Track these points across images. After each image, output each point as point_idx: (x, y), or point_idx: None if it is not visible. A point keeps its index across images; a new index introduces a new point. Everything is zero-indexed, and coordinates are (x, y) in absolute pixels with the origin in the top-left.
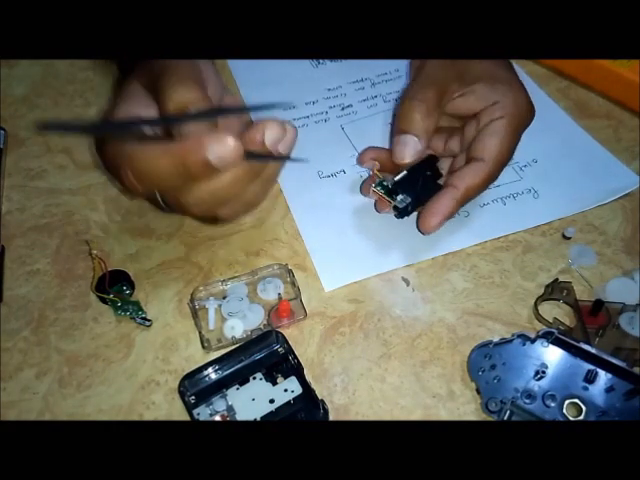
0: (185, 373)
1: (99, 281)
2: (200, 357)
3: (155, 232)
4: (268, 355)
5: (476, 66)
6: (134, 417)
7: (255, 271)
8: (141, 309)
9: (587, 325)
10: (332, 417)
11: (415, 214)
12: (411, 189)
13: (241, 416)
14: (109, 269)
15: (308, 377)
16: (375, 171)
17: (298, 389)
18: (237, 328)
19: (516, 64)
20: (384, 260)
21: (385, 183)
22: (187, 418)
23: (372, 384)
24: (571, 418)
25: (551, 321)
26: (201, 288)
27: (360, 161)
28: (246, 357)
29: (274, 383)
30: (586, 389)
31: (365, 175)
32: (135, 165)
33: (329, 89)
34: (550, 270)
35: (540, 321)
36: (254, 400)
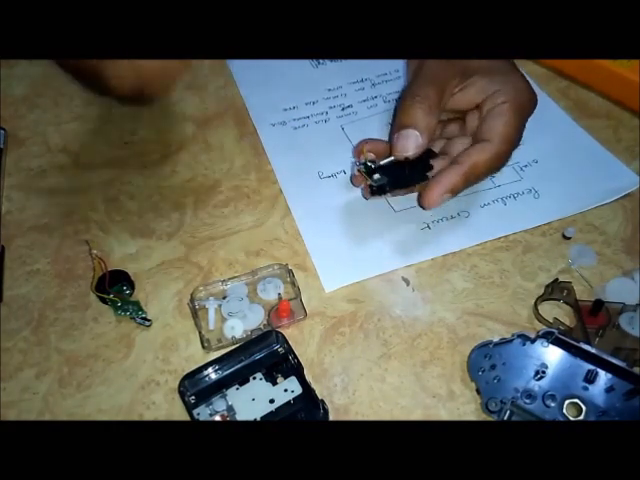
0: (185, 373)
1: (99, 281)
2: (200, 357)
3: (155, 232)
4: (268, 355)
5: (474, 61)
6: (134, 417)
7: (255, 271)
8: (141, 309)
9: (587, 325)
10: (332, 417)
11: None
12: (393, 173)
13: (241, 416)
14: (109, 269)
15: (308, 377)
16: (364, 150)
17: (298, 389)
18: (237, 328)
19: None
20: (384, 260)
21: (369, 164)
22: (187, 418)
23: (372, 384)
24: (571, 418)
25: (551, 321)
26: (201, 288)
27: (356, 153)
28: (246, 357)
29: (274, 383)
30: (586, 389)
31: None
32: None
33: (329, 89)
34: (550, 270)
35: (540, 321)
36: (254, 400)
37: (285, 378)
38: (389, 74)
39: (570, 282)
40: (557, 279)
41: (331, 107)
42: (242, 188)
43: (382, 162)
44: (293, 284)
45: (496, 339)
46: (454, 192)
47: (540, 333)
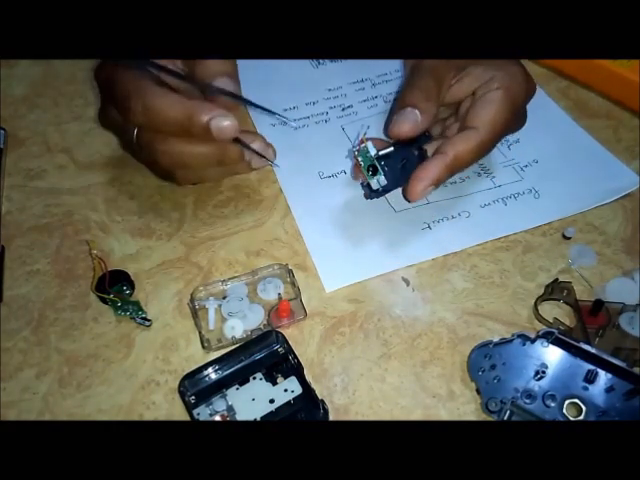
0: (185, 373)
1: (99, 281)
2: (200, 357)
3: (155, 232)
4: (268, 355)
5: None
6: (134, 417)
7: (255, 271)
8: (141, 309)
9: (587, 325)
10: (332, 417)
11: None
12: (390, 169)
13: (241, 416)
14: (109, 269)
15: (308, 377)
16: (363, 137)
17: (298, 389)
18: (237, 328)
19: None
20: (385, 260)
21: (368, 155)
22: (187, 418)
23: (372, 384)
24: (571, 418)
25: (551, 321)
26: (201, 288)
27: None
28: (246, 357)
29: (274, 383)
30: (586, 389)
31: None
32: (148, 100)
33: (329, 89)
34: (550, 270)
35: (540, 321)
36: (254, 400)
37: (285, 378)
38: (389, 74)
39: (570, 282)
40: (557, 279)
41: (331, 107)
42: (242, 188)
43: (382, 152)
44: (293, 284)
45: (496, 339)
46: (438, 184)
47: (540, 333)
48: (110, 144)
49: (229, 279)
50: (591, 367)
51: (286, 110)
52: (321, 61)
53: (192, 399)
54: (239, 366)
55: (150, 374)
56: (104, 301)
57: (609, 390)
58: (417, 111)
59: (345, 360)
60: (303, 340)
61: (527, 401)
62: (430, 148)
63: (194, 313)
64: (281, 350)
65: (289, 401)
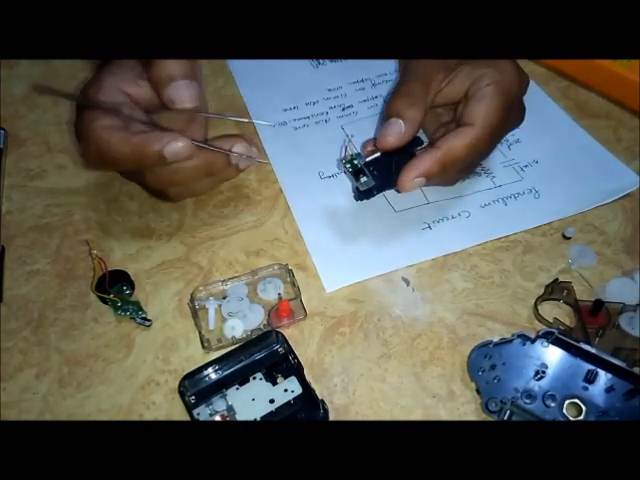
0: (185, 373)
1: (99, 281)
2: (200, 357)
3: (155, 232)
4: (268, 355)
5: None
6: (134, 417)
7: (255, 271)
8: (141, 309)
9: (587, 325)
10: (332, 417)
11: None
12: (380, 172)
13: (241, 416)
14: (109, 269)
15: (308, 377)
16: (348, 146)
17: (298, 389)
18: (237, 328)
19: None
20: (385, 260)
21: (355, 162)
22: (187, 418)
23: (372, 384)
24: (571, 418)
25: (551, 321)
26: (201, 288)
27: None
28: (246, 357)
29: (274, 383)
30: (586, 389)
31: None
32: (96, 143)
33: (329, 89)
34: (550, 270)
35: (540, 321)
36: (254, 400)
37: (285, 378)
38: (389, 74)
39: (570, 282)
40: (557, 279)
41: (331, 107)
42: (242, 188)
43: (368, 158)
44: (293, 284)
45: (496, 339)
46: (429, 176)
47: (540, 333)
48: None
49: (229, 279)
50: (591, 367)
51: (286, 110)
52: (321, 61)
53: (192, 399)
54: (239, 366)
55: (150, 374)
56: (104, 301)
57: (609, 390)
58: (401, 121)
59: (345, 360)
60: (303, 340)
61: (527, 401)
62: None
63: (194, 313)
64: (281, 350)
65: (289, 401)
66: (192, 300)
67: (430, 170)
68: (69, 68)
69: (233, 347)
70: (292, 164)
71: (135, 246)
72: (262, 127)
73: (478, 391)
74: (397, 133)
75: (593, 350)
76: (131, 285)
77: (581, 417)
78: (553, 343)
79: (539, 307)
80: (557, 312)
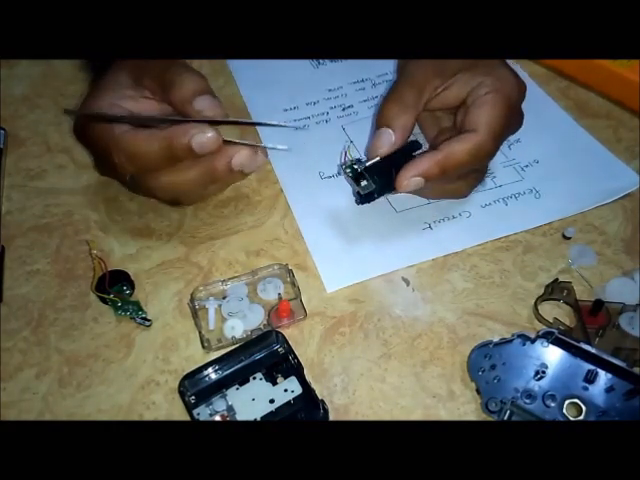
0: (185, 373)
1: (99, 281)
2: (200, 357)
3: (155, 232)
4: (268, 355)
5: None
6: (134, 417)
7: (255, 271)
8: (141, 309)
9: (587, 325)
10: (332, 417)
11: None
12: (380, 177)
13: (241, 416)
14: (109, 269)
15: (308, 377)
16: (348, 151)
17: (298, 389)
18: (237, 328)
19: (516, 64)
20: (386, 260)
21: (355, 166)
22: (187, 418)
23: (372, 384)
24: (571, 418)
25: (551, 321)
26: (201, 288)
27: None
28: (246, 357)
29: (274, 383)
30: (586, 389)
31: None
32: (127, 149)
33: (330, 89)
34: (550, 270)
35: (540, 321)
36: (254, 400)
37: (285, 378)
38: (389, 74)
39: (570, 282)
40: (557, 279)
41: (332, 107)
42: (242, 188)
43: (368, 163)
44: (293, 284)
45: (496, 339)
46: (427, 177)
47: (540, 333)
48: None
49: (229, 279)
50: (591, 367)
51: (286, 110)
52: (321, 61)
53: (192, 399)
54: (239, 366)
55: (150, 374)
56: (104, 301)
57: (609, 390)
58: (390, 131)
59: (345, 360)
60: (303, 340)
61: (527, 401)
62: None
63: (194, 313)
64: (281, 350)
65: (289, 401)
66: (192, 300)
67: (429, 171)
68: (69, 68)
69: (233, 347)
70: (292, 164)
71: (135, 246)
72: (262, 127)
73: (478, 391)
74: (388, 142)
75: (593, 350)
76: (131, 285)
77: (581, 417)
78: (553, 343)
79: (539, 307)
80: (557, 312)
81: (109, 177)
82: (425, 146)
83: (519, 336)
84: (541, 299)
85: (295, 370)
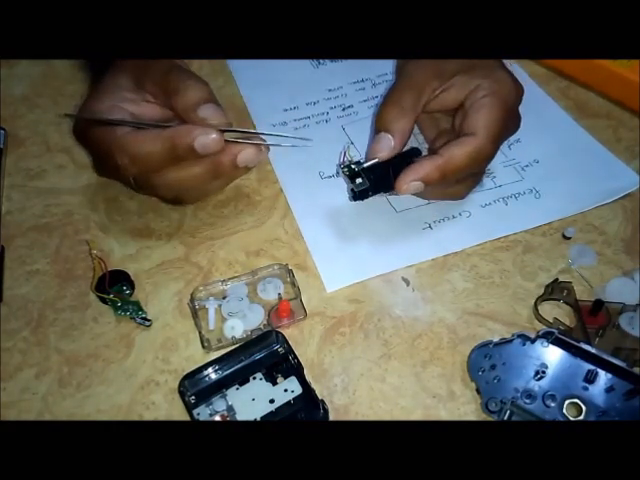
0: (185, 373)
1: (99, 281)
2: (200, 357)
3: (155, 232)
4: (268, 355)
5: (453, 60)
6: (134, 417)
7: (255, 271)
8: (141, 309)
9: (587, 325)
10: (332, 417)
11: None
12: (377, 178)
13: (241, 416)
14: (109, 269)
15: (308, 377)
16: (347, 152)
17: (298, 389)
18: (237, 328)
19: (516, 64)
20: (385, 261)
21: (353, 166)
22: (187, 418)
23: (372, 384)
24: (571, 418)
25: (551, 321)
26: (201, 288)
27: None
28: (246, 357)
29: (274, 383)
30: (586, 389)
31: None
32: (130, 150)
33: (330, 90)
34: (550, 270)
35: (540, 321)
36: (254, 400)
37: (285, 378)
38: (389, 74)
39: (570, 282)
40: (557, 279)
41: (332, 107)
42: (242, 188)
43: (366, 164)
44: (293, 284)
45: (496, 339)
46: (427, 182)
47: (540, 333)
48: None
49: (229, 279)
50: (591, 367)
51: (286, 110)
52: (321, 61)
53: (192, 399)
54: (239, 366)
55: (150, 374)
56: (104, 301)
57: (609, 390)
58: (389, 136)
59: (345, 360)
60: (303, 340)
61: (527, 401)
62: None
63: (194, 313)
64: (281, 350)
65: (289, 401)
66: (192, 300)
67: (429, 175)
68: (69, 68)
69: (233, 347)
70: (292, 164)
71: (135, 246)
72: (262, 127)
73: (478, 391)
74: (387, 147)
75: (593, 350)
76: (131, 285)
77: (581, 417)
78: (553, 343)
79: (539, 307)
80: (557, 312)
81: (108, 178)
82: (425, 146)
83: (519, 336)
84: (541, 299)
85: (295, 370)
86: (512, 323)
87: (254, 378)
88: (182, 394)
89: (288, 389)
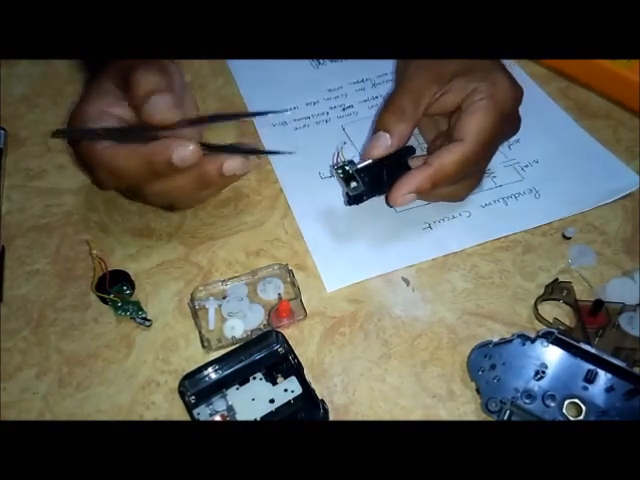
0: (185, 373)
1: (99, 281)
2: (200, 357)
3: (155, 232)
4: (268, 355)
5: (452, 63)
6: (134, 417)
7: (255, 271)
8: (141, 309)
9: (587, 325)
10: (332, 417)
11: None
12: (371, 179)
13: (241, 416)
14: (109, 269)
15: (308, 377)
16: (340, 152)
17: (298, 389)
18: (237, 328)
19: (516, 64)
20: (386, 260)
21: (347, 168)
22: (187, 418)
23: (372, 384)
24: (571, 418)
25: (551, 321)
26: (201, 288)
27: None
28: (246, 357)
29: (274, 383)
30: (586, 389)
31: None
32: (107, 164)
33: (330, 90)
34: (550, 270)
35: (540, 321)
36: (254, 400)
37: (285, 378)
38: (390, 74)
39: (570, 282)
40: (557, 279)
41: (332, 107)
42: (242, 188)
43: (360, 165)
44: (293, 284)
45: (496, 339)
46: (419, 193)
47: (540, 333)
48: None
49: (229, 279)
50: (591, 367)
51: (287, 110)
52: (321, 61)
53: (192, 399)
54: (239, 366)
55: (150, 374)
56: (104, 301)
57: (609, 390)
58: (388, 135)
59: (345, 360)
60: (303, 340)
61: (527, 401)
62: (420, 160)
63: (194, 313)
64: (281, 350)
65: (289, 401)
66: (192, 300)
67: (421, 187)
68: (69, 68)
69: (233, 347)
70: (292, 164)
71: (135, 246)
72: (262, 127)
73: (478, 391)
74: (384, 146)
75: (593, 350)
76: (131, 285)
77: (581, 417)
78: (553, 343)
79: (539, 307)
80: (557, 312)
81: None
82: (424, 147)
83: (519, 336)
84: (541, 299)
85: (295, 370)
86: (512, 323)
87: (254, 378)
88: (182, 394)
89: (288, 389)
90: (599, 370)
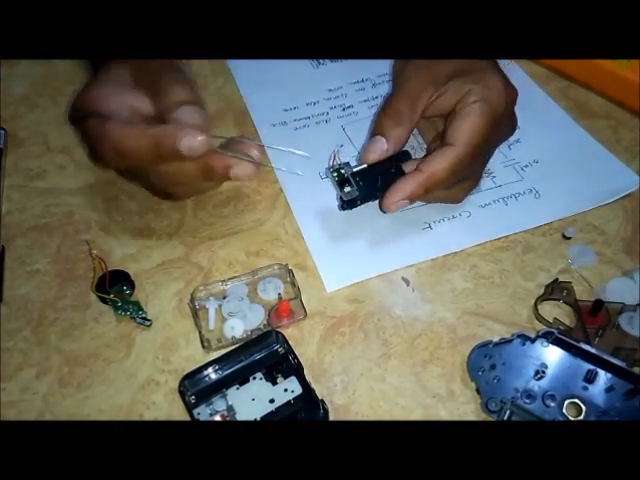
0: (185, 373)
1: (99, 281)
2: (200, 357)
3: (155, 232)
4: (268, 355)
5: (447, 65)
6: (134, 417)
7: (255, 271)
8: (141, 309)
9: (587, 325)
10: (332, 417)
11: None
12: (366, 183)
13: (241, 416)
14: (109, 269)
15: (308, 377)
16: (337, 154)
17: (298, 389)
18: (237, 328)
19: (516, 64)
20: (385, 260)
21: (342, 171)
22: (187, 418)
23: (372, 384)
24: (571, 418)
25: (551, 321)
26: (201, 288)
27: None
28: (246, 357)
29: (274, 383)
30: (586, 389)
31: None
32: (115, 143)
33: (330, 90)
34: (550, 270)
35: (540, 321)
36: (254, 400)
37: (285, 378)
38: (389, 74)
39: (570, 282)
40: (557, 279)
41: (332, 107)
42: (242, 188)
43: (355, 168)
44: (293, 284)
45: (496, 339)
46: (412, 199)
47: (540, 333)
48: None
49: (229, 279)
50: (591, 367)
51: (287, 110)
52: (321, 61)
53: (192, 399)
54: (239, 366)
55: (150, 374)
56: (104, 301)
57: (609, 390)
58: (384, 140)
59: (345, 360)
60: (303, 340)
61: (527, 401)
62: (413, 165)
63: (194, 313)
64: (281, 350)
65: (289, 401)
66: (192, 300)
67: (414, 193)
68: (69, 68)
69: (233, 347)
70: (292, 164)
71: (135, 246)
72: (262, 127)
73: (478, 391)
74: (380, 150)
75: (593, 350)
76: (131, 285)
77: (581, 417)
78: (553, 343)
79: (539, 307)
80: (557, 312)
81: (101, 167)
82: (424, 147)
83: (519, 336)
84: (541, 299)
85: (295, 370)
86: (512, 323)
87: (254, 378)
88: (182, 394)
89: (288, 389)
90: (599, 370)
